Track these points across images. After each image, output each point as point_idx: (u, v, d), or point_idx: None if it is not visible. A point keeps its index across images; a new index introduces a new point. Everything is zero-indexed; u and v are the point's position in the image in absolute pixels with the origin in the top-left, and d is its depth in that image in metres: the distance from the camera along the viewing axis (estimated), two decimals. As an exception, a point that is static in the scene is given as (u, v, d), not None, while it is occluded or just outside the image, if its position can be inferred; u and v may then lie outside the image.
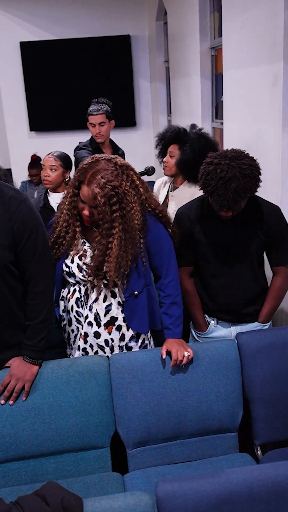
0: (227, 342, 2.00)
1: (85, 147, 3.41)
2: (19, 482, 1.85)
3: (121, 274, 1.83)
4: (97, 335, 1.93)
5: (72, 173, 2.67)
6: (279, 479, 1.34)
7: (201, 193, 2.11)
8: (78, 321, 1.96)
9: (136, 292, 1.88)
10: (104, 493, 1.77)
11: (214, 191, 1.84)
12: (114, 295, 1.90)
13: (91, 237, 1.90)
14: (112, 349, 1.96)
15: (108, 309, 1.90)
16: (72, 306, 1.95)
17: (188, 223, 2.06)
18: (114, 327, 1.92)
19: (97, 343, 1.94)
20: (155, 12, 5.34)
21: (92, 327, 1.92)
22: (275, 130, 2.46)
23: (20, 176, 5.88)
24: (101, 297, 1.89)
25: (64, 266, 1.92)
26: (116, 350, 1.96)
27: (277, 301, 2.14)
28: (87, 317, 1.92)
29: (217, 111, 3.95)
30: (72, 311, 1.96)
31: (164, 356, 1.89)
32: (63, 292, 1.99)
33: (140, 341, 1.99)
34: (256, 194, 2.00)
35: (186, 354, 1.88)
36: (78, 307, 1.94)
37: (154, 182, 3.14)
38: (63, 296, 2.00)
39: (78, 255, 1.90)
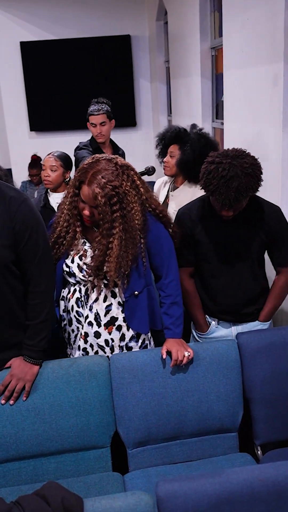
0: (227, 342, 2.00)
1: (85, 147, 3.41)
2: (19, 482, 1.85)
3: (122, 274, 1.83)
4: (97, 335, 1.93)
5: (72, 173, 2.66)
6: (279, 479, 1.34)
7: (201, 193, 2.11)
8: (78, 321, 1.96)
9: (136, 292, 1.89)
10: (104, 493, 1.77)
11: (215, 190, 1.84)
12: (114, 295, 1.90)
13: (92, 237, 1.90)
14: (112, 349, 1.96)
15: (108, 309, 1.90)
16: (73, 306, 1.95)
17: (189, 223, 2.06)
18: (114, 327, 1.92)
19: (97, 343, 1.94)
20: (155, 12, 5.34)
21: (92, 327, 1.92)
22: (275, 130, 2.46)
23: (20, 176, 5.88)
24: (101, 297, 1.89)
25: (64, 266, 1.92)
26: (116, 350, 1.96)
27: (279, 301, 2.14)
28: (87, 317, 1.92)
29: (218, 111, 3.96)
30: (72, 311, 1.96)
31: (164, 356, 1.89)
32: (63, 292, 1.99)
33: (140, 341, 1.99)
34: (257, 194, 2.00)
35: (186, 354, 1.88)
36: (78, 307, 1.94)
37: (154, 182, 3.14)
38: (63, 296, 2.00)
39: (79, 255, 1.90)
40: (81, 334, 1.96)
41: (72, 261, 1.90)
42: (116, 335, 1.94)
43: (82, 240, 1.92)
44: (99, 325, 1.91)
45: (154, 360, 1.91)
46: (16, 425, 1.81)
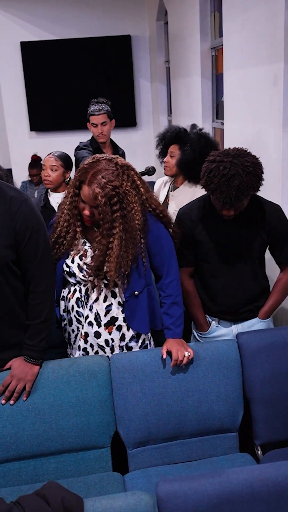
0: (227, 342, 2.00)
1: (85, 147, 3.41)
2: (19, 482, 1.85)
3: (122, 274, 1.83)
4: (97, 335, 1.93)
5: (72, 173, 2.67)
6: (279, 479, 1.34)
7: (202, 193, 2.11)
8: (79, 321, 1.96)
9: (136, 292, 1.89)
10: (104, 493, 1.77)
11: (216, 189, 1.84)
12: (114, 295, 1.90)
13: (92, 237, 1.90)
14: (112, 349, 1.96)
15: (108, 309, 1.90)
16: (73, 306, 1.95)
17: (189, 223, 2.06)
18: (114, 327, 1.92)
19: (97, 343, 1.94)
20: (155, 12, 5.34)
21: (92, 327, 1.92)
22: (275, 130, 2.46)
23: (20, 176, 5.88)
24: (102, 297, 1.89)
25: (64, 266, 1.92)
26: (117, 350, 1.96)
27: (280, 297, 2.14)
28: (87, 317, 1.92)
29: (218, 111, 3.96)
30: (72, 311, 1.96)
31: (164, 356, 1.89)
32: (63, 292, 1.99)
33: (140, 341, 1.99)
34: (257, 194, 2.00)
35: (186, 354, 1.88)
36: (78, 307, 1.94)
37: (154, 182, 3.14)
38: (63, 296, 2.00)
39: (79, 255, 1.90)
40: (81, 334, 1.96)
41: (72, 261, 1.90)
42: (116, 335, 1.94)
43: (82, 240, 1.92)
44: (99, 325, 1.91)
45: (154, 360, 1.91)
46: (16, 425, 1.81)
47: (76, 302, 1.94)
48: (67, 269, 1.91)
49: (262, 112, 2.59)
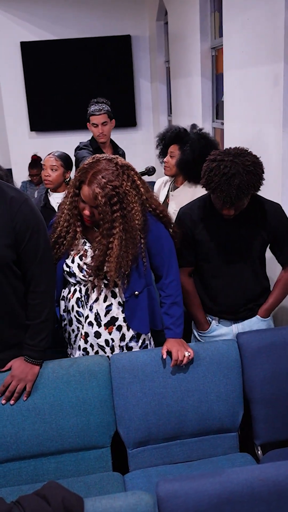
0: (227, 342, 2.00)
1: (85, 147, 3.41)
2: (19, 482, 1.85)
3: (122, 274, 1.83)
4: (97, 335, 1.93)
5: (72, 173, 2.67)
6: (280, 479, 1.34)
7: (202, 193, 2.11)
8: (79, 321, 1.96)
9: (136, 292, 1.89)
10: (104, 492, 1.77)
11: (217, 187, 1.83)
12: (114, 295, 1.90)
13: (92, 237, 1.90)
14: (112, 349, 1.96)
15: (108, 309, 1.90)
16: (73, 306, 1.95)
17: (189, 223, 2.06)
18: (114, 327, 1.92)
19: (97, 343, 1.94)
20: (155, 12, 5.34)
21: (92, 327, 1.92)
22: (275, 130, 2.46)
23: (20, 176, 5.88)
24: (102, 297, 1.89)
25: (64, 266, 1.92)
26: (117, 350, 1.96)
27: (282, 293, 2.14)
28: (87, 317, 1.92)
29: (218, 111, 3.96)
30: (72, 311, 1.96)
31: (164, 356, 1.89)
32: (63, 292, 1.99)
33: (140, 341, 1.99)
34: (257, 193, 2.00)
35: (186, 354, 1.88)
36: (78, 307, 1.94)
37: (154, 182, 3.14)
38: (63, 296, 2.00)
39: (79, 255, 1.90)
40: (81, 334, 1.96)
41: (73, 261, 1.90)
42: (116, 335, 1.94)
43: (83, 240, 1.92)
44: (99, 325, 1.91)
45: (155, 360, 1.91)
46: (16, 425, 1.81)
47: (76, 302, 1.94)
48: (67, 269, 1.91)
49: (262, 112, 2.59)
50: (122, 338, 1.95)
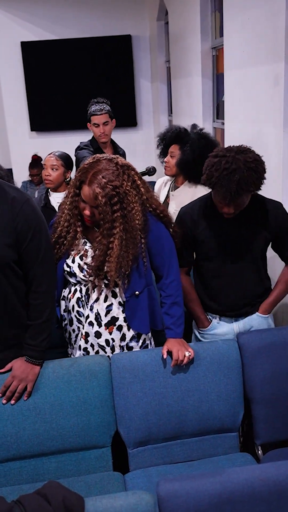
0: (228, 342, 2.00)
1: (86, 147, 3.41)
2: (20, 481, 1.85)
3: (122, 274, 1.83)
4: (98, 335, 1.93)
5: (73, 174, 2.67)
6: (280, 478, 1.34)
7: (202, 192, 2.11)
8: (79, 321, 1.96)
9: (137, 292, 1.89)
10: (105, 492, 1.77)
11: (217, 182, 1.83)
12: (115, 295, 1.90)
13: (92, 237, 1.90)
14: (113, 349, 1.96)
15: (109, 309, 1.90)
16: (73, 306, 1.95)
17: (190, 223, 2.06)
18: (115, 327, 1.92)
19: (98, 343, 1.94)
20: (156, 12, 5.34)
21: (93, 327, 1.92)
22: (276, 130, 2.46)
23: (20, 176, 5.88)
24: (102, 297, 1.89)
25: (65, 266, 1.92)
26: (117, 350, 1.96)
27: (285, 289, 2.13)
28: (88, 317, 1.92)
29: (218, 111, 3.96)
30: (73, 311, 1.96)
31: (165, 356, 1.89)
32: (64, 292, 2.00)
33: (141, 341, 2.00)
34: (258, 193, 2.00)
35: (187, 354, 1.88)
36: (79, 307, 1.94)
37: (155, 182, 3.14)
38: (64, 296, 2.00)
39: (79, 255, 1.90)
40: (81, 334, 1.96)
41: (73, 261, 1.90)
42: (116, 335, 1.94)
43: (83, 240, 1.92)
44: (99, 325, 1.91)
45: (155, 360, 1.91)
46: (17, 424, 1.81)
47: (77, 302, 1.94)
48: (68, 269, 1.91)
49: (262, 112, 2.59)
50: (123, 338, 1.95)
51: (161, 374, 1.91)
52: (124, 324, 1.93)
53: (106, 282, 1.86)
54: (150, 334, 2.04)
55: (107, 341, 1.94)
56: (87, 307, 1.92)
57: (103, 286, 1.87)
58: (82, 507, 1.27)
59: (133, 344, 1.98)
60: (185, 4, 4.09)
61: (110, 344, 1.95)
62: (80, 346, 1.98)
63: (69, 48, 5.73)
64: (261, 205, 2.03)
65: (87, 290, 1.91)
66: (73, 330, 2.00)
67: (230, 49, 2.99)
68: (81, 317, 1.95)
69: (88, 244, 1.91)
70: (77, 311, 1.95)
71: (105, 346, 1.95)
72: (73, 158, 3.18)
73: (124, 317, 1.92)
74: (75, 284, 1.94)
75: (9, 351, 1.81)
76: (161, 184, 3.01)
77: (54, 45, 5.72)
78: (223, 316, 2.17)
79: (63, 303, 2.00)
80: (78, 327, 1.98)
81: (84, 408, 1.85)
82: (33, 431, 1.82)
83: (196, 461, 1.96)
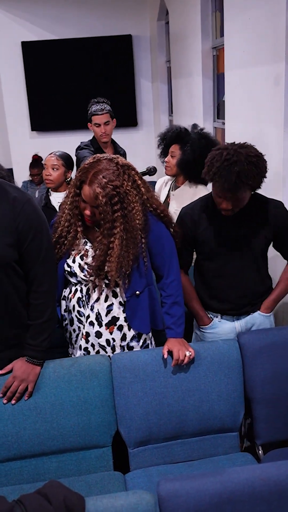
0: (228, 342, 2.00)
1: (86, 147, 3.41)
2: (21, 481, 1.86)
3: (123, 274, 1.83)
4: (98, 334, 1.93)
5: (73, 174, 2.67)
6: (281, 478, 1.34)
7: (202, 192, 2.11)
8: (80, 321, 1.96)
9: (137, 292, 1.89)
10: (105, 492, 1.77)
11: (217, 173, 1.83)
12: (115, 295, 1.90)
13: (93, 236, 1.90)
14: (113, 349, 1.96)
15: (109, 309, 1.90)
16: (74, 305, 1.95)
17: (190, 224, 2.06)
18: (115, 327, 1.92)
19: (98, 343, 1.95)
20: (156, 11, 5.34)
21: (93, 327, 1.92)
22: (277, 130, 2.46)
23: (21, 176, 5.88)
24: (103, 297, 1.89)
25: (65, 265, 1.92)
26: (118, 350, 1.96)
27: (286, 287, 2.13)
28: (88, 316, 1.92)
29: (219, 111, 3.96)
30: (73, 310, 1.96)
31: (165, 356, 1.89)
32: (64, 291, 2.00)
33: (141, 341, 2.00)
34: (258, 193, 2.00)
35: (187, 353, 1.88)
36: (79, 306, 1.94)
37: (155, 182, 3.14)
38: (64, 296, 2.00)
39: (80, 254, 1.90)
40: (82, 333, 1.96)
41: (74, 261, 1.90)
42: (117, 335, 1.94)
43: (83, 240, 1.92)
44: (100, 325, 1.91)
45: (155, 359, 1.91)
46: (17, 424, 1.81)
47: (77, 302, 1.94)
48: (68, 269, 1.91)
49: (263, 112, 2.59)
50: (123, 337, 1.95)
51: (162, 374, 1.91)
52: (124, 324, 1.93)
53: (107, 282, 1.86)
54: (150, 334, 2.04)
55: (107, 341, 1.94)
56: (87, 307, 1.92)
57: (103, 286, 1.87)
58: (82, 506, 1.27)
59: (133, 344, 1.98)
60: (186, 4, 4.09)
61: (111, 344, 1.95)
62: (80, 346, 1.98)
63: (69, 48, 5.73)
64: (261, 204, 2.03)
65: (88, 290, 1.91)
66: (74, 330, 2.00)
67: (231, 49, 2.99)
68: (81, 317, 1.95)
69: (89, 244, 1.91)
70: (78, 311, 1.95)
71: (106, 346, 1.95)
72: (74, 158, 3.18)
73: (124, 317, 1.92)
74: (75, 284, 1.94)
75: (9, 351, 1.81)
76: (162, 184, 3.01)
77: (54, 45, 5.72)
78: (225, 314, 2.16)
79: (63, 303, 2.00)
80: (79, 327, 1.98)
81: (85, 407, 1.85)
82: (34, 430, 1.82)
83: (196, 461, 1.96)
